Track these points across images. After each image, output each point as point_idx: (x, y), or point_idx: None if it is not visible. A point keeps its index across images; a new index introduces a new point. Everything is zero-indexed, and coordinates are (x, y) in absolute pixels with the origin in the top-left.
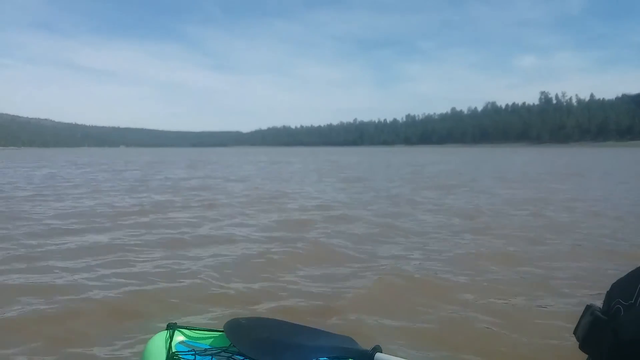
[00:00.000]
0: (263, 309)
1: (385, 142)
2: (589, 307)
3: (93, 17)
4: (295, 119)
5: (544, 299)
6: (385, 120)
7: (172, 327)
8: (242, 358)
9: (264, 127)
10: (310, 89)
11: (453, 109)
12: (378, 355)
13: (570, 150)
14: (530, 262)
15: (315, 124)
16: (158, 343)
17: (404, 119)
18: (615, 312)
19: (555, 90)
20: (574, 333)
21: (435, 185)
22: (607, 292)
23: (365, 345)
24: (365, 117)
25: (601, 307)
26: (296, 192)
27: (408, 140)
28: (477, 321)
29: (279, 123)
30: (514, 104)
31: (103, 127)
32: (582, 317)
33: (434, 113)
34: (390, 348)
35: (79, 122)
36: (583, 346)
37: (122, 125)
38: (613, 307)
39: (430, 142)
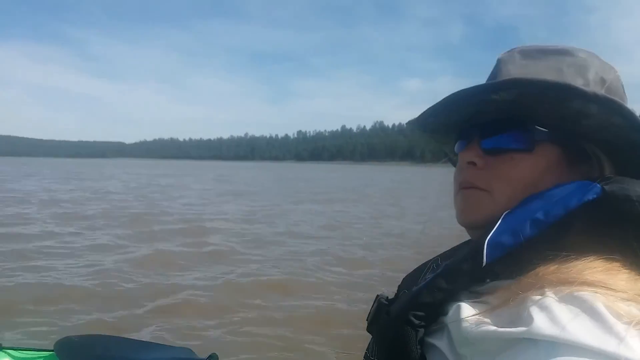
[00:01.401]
0: (96, 324)
1: (276, 158)
2: (377, 296)
3: None
4: (184, 131)
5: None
6: (276, 135)
7: None
8: None
9: (150, 138)
10: (200, 100)
11: (343, 127)
12: None
13: (449, 170)
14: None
15: (205, 137)
16: None
17: (295, 135)
18: (395, 298)
19: None
20: (367, 319)
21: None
22: (399, 284)
23: (203, 354)
24: (257, 131)
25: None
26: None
27: (299, 156)
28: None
29: (166, 135)
30: (400, 123)
31: None
32: (372, 304)
33: (325, 130)
34: (230, 354)
35: None
36: (368, 327)
37: None
38: (399, 295)
39: (321, 158)
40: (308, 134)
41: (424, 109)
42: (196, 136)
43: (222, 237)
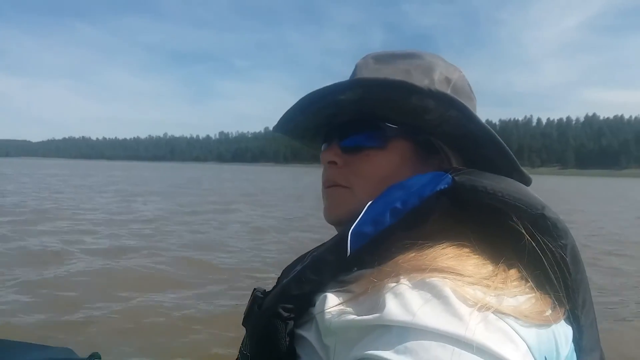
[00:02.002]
0: None
1: (197, 159)
2: (254, 289)
3: None
4: (98, 130)
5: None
6: (197, 136)
7: None
8: None
9: (59, 137)
10: (116, 98)
11: (266, 129)
12: None
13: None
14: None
15: (121, 137)
16: None
17: (217, 136)
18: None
19: None
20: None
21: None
22: (279, 277)
23: (84, 354)
24: (177, 131)
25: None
26: None
27: (221, 157)
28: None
29: (77, 133)
30: None
31: None
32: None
33: (248, 131)
34: (112, 353)
35: None
36: (243, 322)
37: None
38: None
39: (244, 160)
40: (230, 135)
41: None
42: (111, 135)
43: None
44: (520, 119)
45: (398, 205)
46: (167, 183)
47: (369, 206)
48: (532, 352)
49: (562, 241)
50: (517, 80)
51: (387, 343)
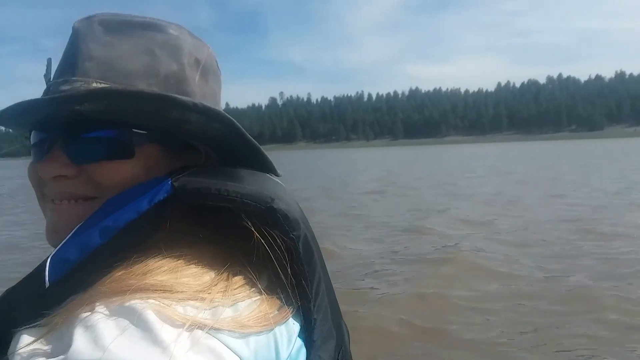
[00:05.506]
0: None
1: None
2: None
3: None
4: None
5: None
6: None
7: None
8: None
9: None
10: None
11: None
12: None
13: None
14: None
15: None
16: None
17: None
18: None
19: None
20: None
21: None
22: None
23: None
24: None
25: None
26: None
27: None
28: None
29: None
30: None
31: None
32: None
33: None
34: None
35: None
36: None
37: None
38: None
39: None
40: None
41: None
42: None
43: None
44: (352, 94)
45: (109, 222)
46: None
47: (78, 228)
48: None
49: (293, 233)
50: (346, 57)
51: None
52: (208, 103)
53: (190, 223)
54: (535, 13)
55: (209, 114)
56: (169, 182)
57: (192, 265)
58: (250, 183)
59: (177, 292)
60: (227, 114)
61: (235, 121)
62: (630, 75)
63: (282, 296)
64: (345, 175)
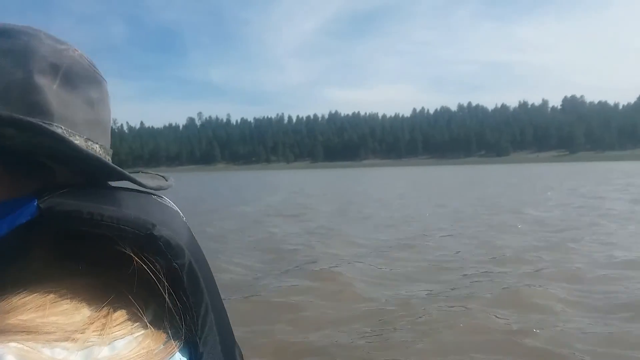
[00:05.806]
0: None
1: None
2: None
3: None
4: None
5: None
6: None
7: None
8: None
9: None
10: None
11: None
12: None
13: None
14: None
15: None
16: None
17: None
18: None
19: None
20: None
21: None
22: None
23: None
24: None
25: None
26: None
27: None
28: None
29: None
30: None
31: None
32: None
33: None
34: None
35: None
36: None
37: None
38: None
39: None
40: None
41: None
42: None
43: None
44: (273, 116)
45: None
46: None
47: None
48: None
49: (176, 261)
50: (265, 79)
51: None
52: (76, 114)
53: (61, 252)
54: (445, 44)
55: (30, 128)
56: (35, 203)
57: (64, 302)
58: (130, 206)
59: (45, 333)
60: (55, 131)
61: (64, 135)
62: (532, 105)
63: (168, 329)
64: (249, 197)
